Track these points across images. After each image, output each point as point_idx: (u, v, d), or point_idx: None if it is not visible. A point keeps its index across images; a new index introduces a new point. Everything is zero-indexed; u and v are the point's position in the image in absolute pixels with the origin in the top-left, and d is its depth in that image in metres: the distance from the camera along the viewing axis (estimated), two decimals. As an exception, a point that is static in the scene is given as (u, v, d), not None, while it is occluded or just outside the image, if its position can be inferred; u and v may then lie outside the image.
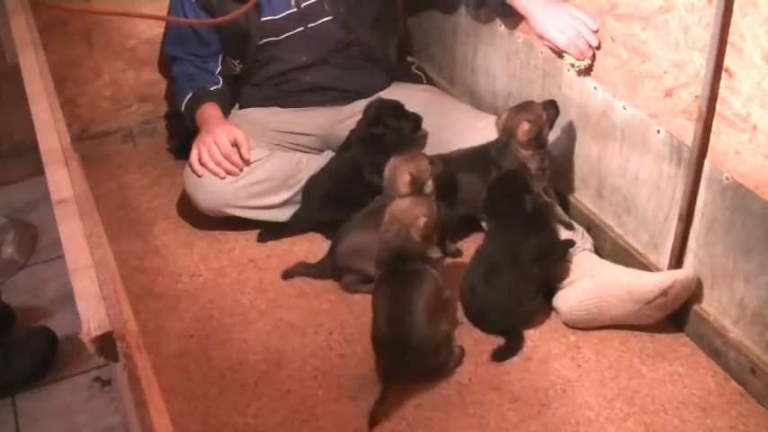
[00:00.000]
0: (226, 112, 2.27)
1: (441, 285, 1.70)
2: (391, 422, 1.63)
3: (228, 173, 2.09)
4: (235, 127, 2.14)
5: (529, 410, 1.65)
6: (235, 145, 2.10)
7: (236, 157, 2.09)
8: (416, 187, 1.86)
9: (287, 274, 2.03)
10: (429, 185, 1.90)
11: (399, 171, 1.88)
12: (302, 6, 2.17)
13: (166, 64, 2.45)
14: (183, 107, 2.28)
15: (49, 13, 2.15)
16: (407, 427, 1.63)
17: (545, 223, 1.84)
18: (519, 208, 1.78)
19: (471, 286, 1.83)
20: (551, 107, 1.95)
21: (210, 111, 2.22)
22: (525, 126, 1.91)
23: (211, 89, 2.27)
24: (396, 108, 2.12)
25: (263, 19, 2.16)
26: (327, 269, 2.00)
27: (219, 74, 2.29)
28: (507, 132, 1.93)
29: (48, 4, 2.00)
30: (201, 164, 2.10)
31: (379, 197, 1.95)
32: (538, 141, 1.92)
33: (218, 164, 2.08)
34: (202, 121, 2.20)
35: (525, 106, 1.96)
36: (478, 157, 2.01)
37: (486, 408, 1.66)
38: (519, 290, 1.80)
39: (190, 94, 2.26)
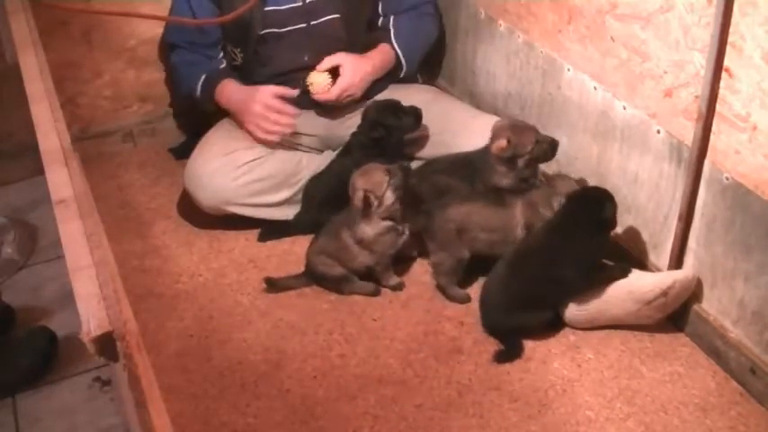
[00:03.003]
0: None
1: None
2: (391, 422, 1.63)
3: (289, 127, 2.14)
4: (262, 87, 2.15)
5: (529, 410, 1.65)
6: (276, 97, 2.13)
7: (288, 108, 2.13)
8: (373, 202, 1.88)
9: (272, 285, 2.00)
10: (389, 197, 1.89)
11: (353, 188, 1.90)
12: (307, 2, 2.16)
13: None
14: (198, 91, 2.23)
15: (49, 13, 2.15)
16: (407, 427, 1.63)
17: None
18: (599, 221, 1.76)
19: (499, 280, 1.84)
20: (545, 146, 1.92)
21: (231, 86, 2.20)
22: (503, 143, 1.92)
23: (221, 68, 2.25)
24: (393, 106, 2.13)
25: (267, 9, 2.14)
26: (310, 279, 2.02)
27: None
28: (492, 139, 1.95)
29: (48, 4, 2.00)
30: (267, 134, 2.13)
31: (347, 209, 1.96)
32: (511, 163, 1.93)
33: (276, 122, 2.13)
34: (229, 99, 2.19)
35: (523, 129, 1.95)
36: (464, 164, 2.04)
37: (486, 408, 1.66)
38: (538, 296, 1.80)
39: (203, 76, 2.22)
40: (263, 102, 2.12)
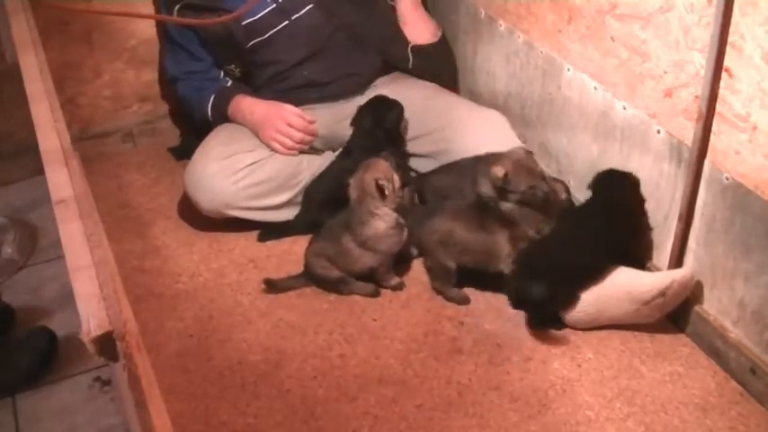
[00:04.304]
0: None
1: None
2: (391, 422, 1.63)
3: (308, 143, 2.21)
4: (286, 107, 2.18)
5: (529, 410, 1.65)
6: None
7: (311, 127, 2.19)
8: (387, 186, 1.91)
9: (274, 287, 2.00)
10: (396, 179, 1.93)
11: (362, 184, 1.91)
12: (280, 0, 2.17)
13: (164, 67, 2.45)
14: (209, 113, 2.26)
15: (49, 13, 2.16)
16: (407, 427, 1.63)
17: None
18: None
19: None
20: (538, 195, 1.85)
21: (245, 101, 2.22)
22: (499, 173, 1.84)
23: (228, 85, 2.27)
24: (384, 101, 2.15)
25: (245, 23, 2.16)
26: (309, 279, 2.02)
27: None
28: (492, 160, 1.90)
29: (48, 4, 2.00)
30: (287, 149, 2.18)
31: (344, 212, 1.97)
32: (501, 194, 1.87)
33: (301, 142, 2.18)
34: (245, 114, 2.21)
35: (526, 170, 1.86)
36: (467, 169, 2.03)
37: (486, 408, 1.66)
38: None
39: (212, 97, 2.25)
40: (288, 120, 2.15)
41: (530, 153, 1.97)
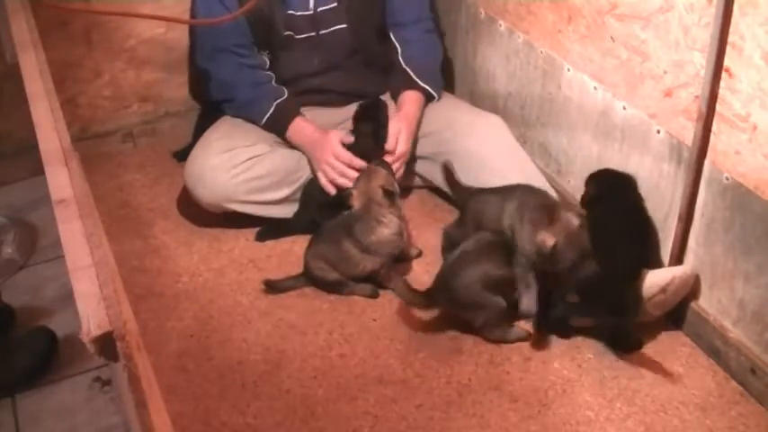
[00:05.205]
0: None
1: None
2: (391, 422, 1.63)
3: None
4: (330, 135, 2.10)
5: (529, 410, 1.65)
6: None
7: (356, 162, 2.06)
8: (395, 190, 1.93)
9: (274, 288, 1.99)
10: (396, 186, 1.95)
11: (369, 191, 1.92)
12: (318, 11, 2.16)
13: (194, 60, 2.40)
14: (264, 120, 2.18)
15: (48, 13, 2.15)
16: (407, 427, 1.63)
17: None
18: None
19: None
20: (578, 277, 1.72)
21: (302, 125, 2.16)
22: (549, 243, 1.69)
23: (288, 99, 2.19)
24: (375, 102, 2.15)
25: (287, 12, 2.15)
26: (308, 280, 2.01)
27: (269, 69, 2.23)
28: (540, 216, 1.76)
29: (48, 4, 2.00)
30: (331, 183, 2.09)
31: (343, 215, 1.97)
32: (542, 259, 1.73)
33: (342, 174, 2.07)
34: (301, 139, 2.17)
35: (576, 246, 1.71)
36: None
37: (486, 408, 1.66)
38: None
39: (273, 105, 2.17)
40: (334, 151, 2.07)
41: (582, 223, 1.77)
